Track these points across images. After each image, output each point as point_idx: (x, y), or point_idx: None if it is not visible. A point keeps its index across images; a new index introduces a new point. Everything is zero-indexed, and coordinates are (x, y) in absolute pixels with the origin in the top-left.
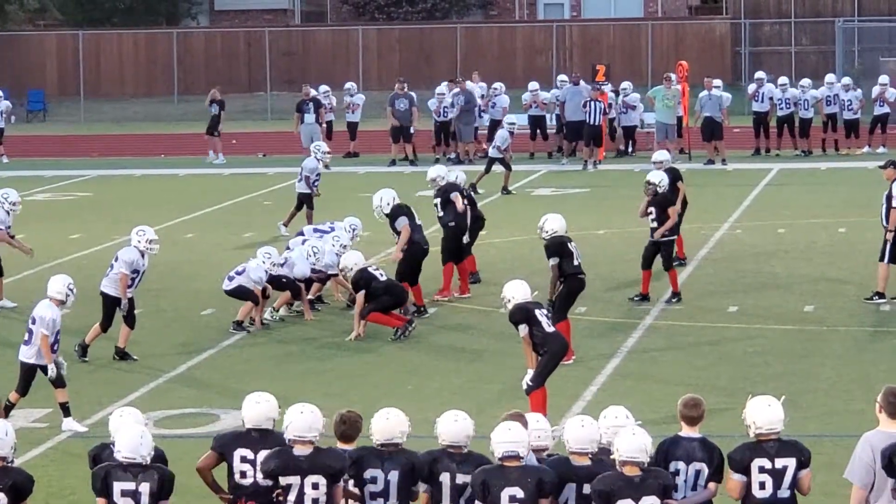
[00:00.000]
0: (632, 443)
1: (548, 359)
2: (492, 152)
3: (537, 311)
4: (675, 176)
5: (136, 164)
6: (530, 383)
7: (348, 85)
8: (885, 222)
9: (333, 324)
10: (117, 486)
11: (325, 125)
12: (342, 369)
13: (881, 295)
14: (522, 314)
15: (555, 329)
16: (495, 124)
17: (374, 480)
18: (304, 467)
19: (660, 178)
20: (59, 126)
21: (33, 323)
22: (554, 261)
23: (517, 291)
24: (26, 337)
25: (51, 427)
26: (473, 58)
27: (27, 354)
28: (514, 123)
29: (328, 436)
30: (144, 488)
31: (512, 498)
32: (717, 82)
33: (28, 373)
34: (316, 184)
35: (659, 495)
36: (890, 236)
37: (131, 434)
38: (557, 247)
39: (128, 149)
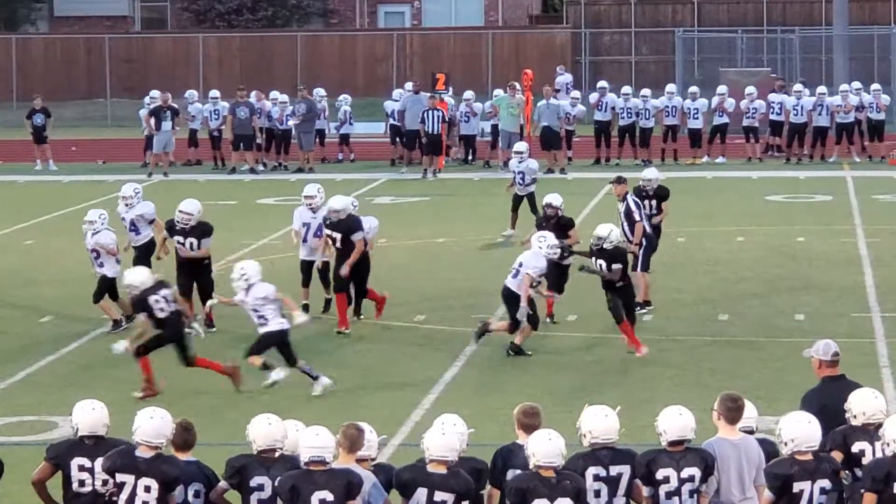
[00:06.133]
0: (548, 448)
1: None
2: None
3: (152, 298)
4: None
5: None
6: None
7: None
8: (630, 236)
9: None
10: None
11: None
12: (185, 376)
13: (646, 303)
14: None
15: (173, 312)
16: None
17: (260, 488)
18: (140, 468)
19: (561, 201)
20: None
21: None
22: (617, 266)
23: (137, 278)
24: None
25: None
26: (314, 66)
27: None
28: None
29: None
30: None
31: (322, 501)
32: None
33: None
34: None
35: (573, 498)
36: (636, 248)
37: None
38: (624, 255)
39: None
